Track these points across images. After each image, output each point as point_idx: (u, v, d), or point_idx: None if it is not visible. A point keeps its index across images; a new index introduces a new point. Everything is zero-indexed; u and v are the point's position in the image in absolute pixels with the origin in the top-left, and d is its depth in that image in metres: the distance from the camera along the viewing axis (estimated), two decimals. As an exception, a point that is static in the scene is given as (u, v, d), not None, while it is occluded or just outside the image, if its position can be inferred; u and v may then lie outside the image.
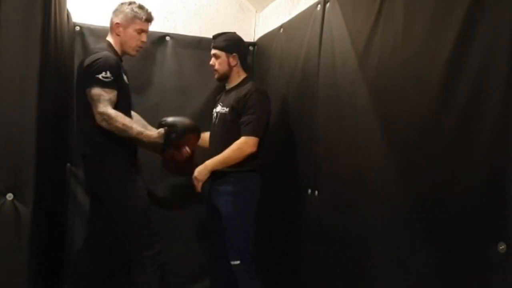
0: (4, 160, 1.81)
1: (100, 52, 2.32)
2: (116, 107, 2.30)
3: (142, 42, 2.51)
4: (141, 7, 2.49)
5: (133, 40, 2.46)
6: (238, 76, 2.57)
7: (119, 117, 2.25)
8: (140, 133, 2.32)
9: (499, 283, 1.19)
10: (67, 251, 2.87)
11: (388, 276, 1.65)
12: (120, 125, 2.25)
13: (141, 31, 2.48)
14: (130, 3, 2.48)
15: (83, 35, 2.93)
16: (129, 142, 2.39)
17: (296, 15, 2.62)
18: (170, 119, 2.51)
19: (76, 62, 2.90)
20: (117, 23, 2.44)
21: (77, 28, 2.92)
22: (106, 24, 2.95)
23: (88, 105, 2.30)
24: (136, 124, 2.37)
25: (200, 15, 3.19)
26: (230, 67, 2.56)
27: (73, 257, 2.86)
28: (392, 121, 1.66)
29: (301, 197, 2.34)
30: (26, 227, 1.82)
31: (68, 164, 2.89)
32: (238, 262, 2.42)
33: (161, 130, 2.41)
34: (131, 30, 2.45)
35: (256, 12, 3.32)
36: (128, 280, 2.47)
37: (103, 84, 2.25)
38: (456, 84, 1.36)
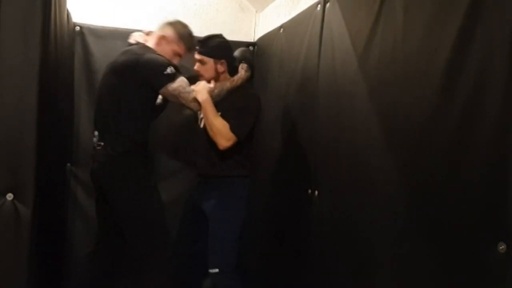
0: (4, 160, 1.81)
1: (147, 53, 2.36)
2: (145, 105, 2.39)
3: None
4: (191, 35, 2.52)
5: (165, 57, 2.45)
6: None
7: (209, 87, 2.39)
8: (232, 81, 2.44)
9: (499, 283, 1.19)
10: (67, 251, 2.88)
11: (388, 276, 1.65)
12: (217, 91, 2.38)
13: (178, 55, 2.50)
14: (184, 26, 2.51)
15: (83, 35, 2.94)
16: (146, 145, 2.43)
17: (296, 15, 2.62)
18: (236, 54, 2.54)
19: (76, 62, 2.92)
20: (163, 36, 2.46)
21: (77, 28, 2.92)
22: (107, 24, 2.96)
23: (121, 105, 2.34)
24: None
25: (200, 15, 3.20)
26: (218, 74, 2.45)
27: (73, 257, 2.87)
28: (392, 121, 1.66)
29: (301, 197, 2.34)
30: (26, 227, 1.82)
31: (68, 164, 2.89)
32: (217, 270, 2.34)
33: (243, 65, 2.46)
34: (169, 49, 2.46)
35: (256, 12, 3.32)
36: (136, 286, 2.46)
37: (173, 77, 2.32)
38: (456, 84, 1.36)
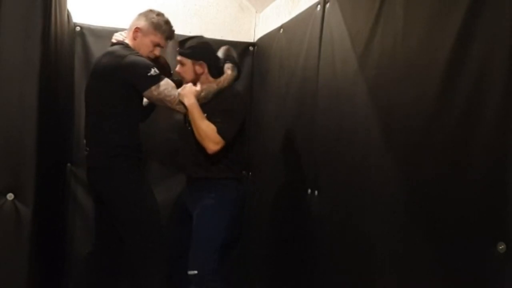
0: (4, 160, 1.81)
1: (130, 55, 2.31)
2: (131, 106, 2.35)
3: (154, 55, 2.46)
4: (167, 22, 2.45)
5: (146, 50, 2.42)
6: (209, 83, 2.41)
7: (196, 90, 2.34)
8: (219, 82, 2.38)
9: (499, 283, 1.19)
10: (67, 251, 2.88)
11: (388, 276, 1.65)
12: (203, 94, 2.33)
13: (157, 45, 2.44)
14: (158, 14, 2.44)
15: (83, 35, 2.94)
16: (138, 147, 2.40)
17: (296, 15, 2.62)
18: (220, 54, 2.50)
19: (76, 62, 2.92)
20: (137, 28, 2.40)
21: (78, 28, 2.92)
22: (107, 24, 2.96)
23: (107, 109, 2.31)
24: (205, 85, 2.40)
25: (200, 15, 3.20)
26: (197, 75, 2.40)
27: (73, 257, 2.87)
28: (392, 121, 1.66)
29: (301, 197, 2.34)
30: (27, 227, 1.82)
31: (68, 164, 2.89)
32: (195, 272, 2.29)
33: (229, 65, 2.43)
34: (148, 40, 2.41)
35: (256, 12, 3.32)
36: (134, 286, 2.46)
37: (158, 79, 2.27)
38: (456, 84, 1.36)
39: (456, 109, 1.35)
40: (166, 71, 2.58)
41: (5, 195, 1.80)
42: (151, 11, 2.45)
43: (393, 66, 1.67)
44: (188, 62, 2.40)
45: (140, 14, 2.45)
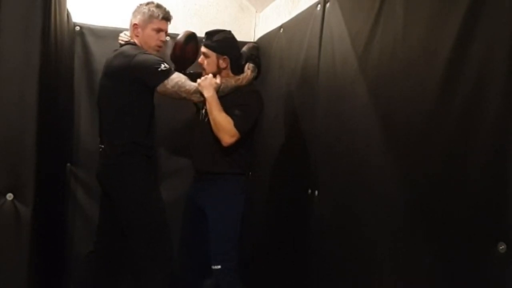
0: (4, 160, 1.81)
1: (139, 54, 2.36)
2: (142, 105, 2.39)
3: (161, 41, 2.51)
4: (158, 6, 2.50)
5: (151, 40, 2.47)
6: (228, 78, 2.45)
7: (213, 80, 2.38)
8: (237, 80, 2.42)
9: (499, 283, 1.19)
10: (67, 251, 2.88)
11: (388, 276, 1.65)
12: (222, 87, 2.37)
13: (159, 30, 2.49)
14: (147, 3, 2.50)
15: (83, 35, 2.94)
16: (149, 145, 2.42)
17: (296, 15, 2.62)
18: (244, 51, 2.54)
19: (76, 62, 2.92)
20: (135, 24, 2.46)
21: (77, 28, 2.93)
22: (107, 24, 2.97)
23: (119, 108, 2.35)
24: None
25: (200, 15, 3.20)
26: (219, 69, 2.44)
27: (73, 257, 2.87)
28: (392, 121, 1.66)
29: (301, 197, 2.34)
30: (26, 227, 1.82)
31: (68, 164, 2.90)
32: (219, 266, 2.36)
33: (250, 65, 2.47)
34: (148, 30, 2.46)
35: (256, 12, 3.32)
36: (136, 286, 2.47)
37: (168, 73, 2.32)
38: (456, 84, 1.36)
39: (456, 109, 1.35)
40: (188, 62, 2.66)
41: (5, 195, 1.80)
42: (140, 5, 2.51)
43: (393, 66, 1.67)
44: (212, 55, 2.44)
45: (133, 12, 2.51)
